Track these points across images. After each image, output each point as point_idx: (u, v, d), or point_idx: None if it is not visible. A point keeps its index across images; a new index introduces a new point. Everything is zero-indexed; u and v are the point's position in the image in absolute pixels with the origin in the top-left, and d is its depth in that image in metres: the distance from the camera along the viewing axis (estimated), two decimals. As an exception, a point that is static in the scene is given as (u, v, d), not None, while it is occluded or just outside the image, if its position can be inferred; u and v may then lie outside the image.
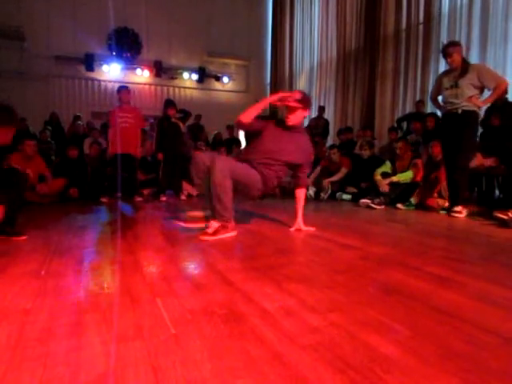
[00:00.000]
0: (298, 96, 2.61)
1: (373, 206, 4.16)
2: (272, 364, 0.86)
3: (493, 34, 5.32)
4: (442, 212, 3.78)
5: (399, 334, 1.01)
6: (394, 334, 1.01)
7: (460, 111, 3.48)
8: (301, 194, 2.76)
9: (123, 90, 4.92)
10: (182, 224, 2.72)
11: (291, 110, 2.61)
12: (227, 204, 2.42)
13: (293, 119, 2.63)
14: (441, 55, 3.68)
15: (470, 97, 3.42)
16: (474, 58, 5.21)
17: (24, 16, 8.33)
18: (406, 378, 0.80)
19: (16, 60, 8.37)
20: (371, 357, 0.89)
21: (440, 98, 3.77)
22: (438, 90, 3.74)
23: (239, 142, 7.92)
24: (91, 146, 5.79)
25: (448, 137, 3.63)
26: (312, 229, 2.66)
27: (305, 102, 2.63)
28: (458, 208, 3.50)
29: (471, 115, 3.47)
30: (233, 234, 2.47)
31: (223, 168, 2.38)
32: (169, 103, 5.32)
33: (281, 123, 2.71)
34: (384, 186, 4.41)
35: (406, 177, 4.41)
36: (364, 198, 4.39)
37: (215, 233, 2.39)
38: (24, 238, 2.35)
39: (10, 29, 8.11)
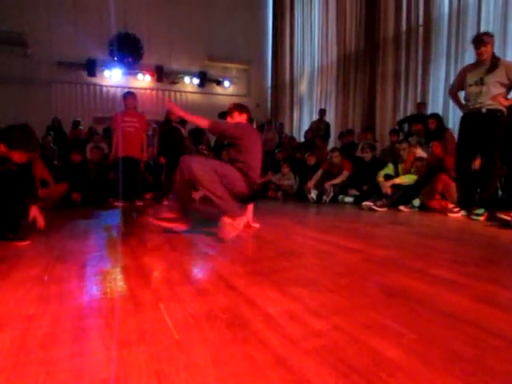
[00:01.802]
0: (232, 105, 2.99)
1: (375, 208, 4.15)
2: (276, 368, 0.85)
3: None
4: (452, 215, 3.66)
5: (403, 338, 1.00)
6: (398, 337, 1.00)
7: (484, 110, 3.25)
8: None
9: (129, 95, 4.97)
10: (160, 223, 2.65)
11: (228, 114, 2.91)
12: (223, 195, 2.39)
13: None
14: (471, 45, 3.41)
15: (495, 96, 3.21)
16: (472, 59, 5.21)
17: (26, 22, 8.40)
18: (410, 381, 0.80)
19: (19, 66, 8.43)
20: (375, 360, 0.88)
21: (462, 93, 3.53)
22: (459, 84, 3.49)
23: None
24: (92, 150, 5.80)
25: (469, 138, 3.42)
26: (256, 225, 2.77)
27: (238, 107, 2.97)
28: (481, 211, 3.34)
29: (496, 115, 3.26)
30: (245, 219, 2.59)
31: (201, 162, 2.42)
32: None
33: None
34: (387, 187, 4.40)
35: (408, 179, 4.40)
36: (366, 200, 4.38)
37: (234, 227, 2.36)
38: (27, 243, 2.35)
39: (12, 35, 8.19)
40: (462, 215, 3.58)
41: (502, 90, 3.24)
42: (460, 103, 3.65)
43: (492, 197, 3.50)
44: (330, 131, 7.94)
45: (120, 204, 4.80)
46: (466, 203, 3.56)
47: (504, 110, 3.30)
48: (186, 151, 5.47)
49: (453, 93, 3.69)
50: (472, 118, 3.39)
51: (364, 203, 4.33)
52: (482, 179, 3.47)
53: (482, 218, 3.33)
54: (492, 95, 3.23)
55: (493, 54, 3.28)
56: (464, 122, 3.58)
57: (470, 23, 5.55)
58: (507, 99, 3.31)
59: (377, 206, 4.17)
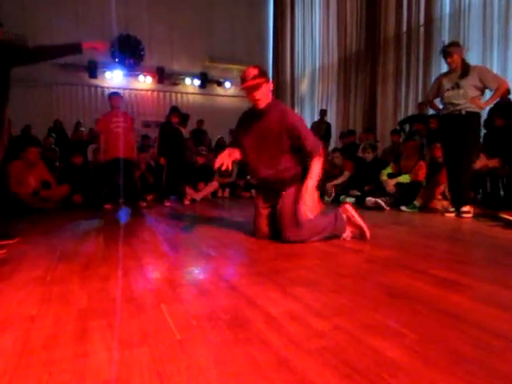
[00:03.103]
0: (256, 72, 2.23)
1: (380, 202, 4.12)
2: (278, 369, 0.85)
3: (493, 35, 5.31)
4: (448, 214, 3.69)
5: (405, 338, 1.00)
6: (400, 337, 1.00)
7: (464, 112, 3.43)
8: (312, 164, 2.32)
9: (115, 95, 4.94)
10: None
11: (255, 87, 2.22)
12: (325, 227, 2.46)
13: (261, 97, 2.25)
14: (441, 55, 3.64)
15: (473, 98, 3.38)
16: (474, 60, 5.21)
17: (28, 24, 8.42)
18: (412, 382, 0.80)
19: (20, 68, 8.43)
20: (377, 361, 0.88)
21: (438, 99, 3.71)
22: (436, 91, 3.67)
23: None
24: (95, 152, 5.80)
25: (450, 138, 3.57)
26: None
27: (265, 73, 2.28)
28: (466, 208, 3.45)
29: (474, 116, 3.44)
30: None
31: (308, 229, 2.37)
32: (173, 110, 5.37)
33: (251, 116, 2.39)
34: (390, 185, 4.41)
35: (406, 179, 4.42)
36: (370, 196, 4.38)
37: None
38: (16, 240, 2.37)
39: (13, 37, 8.20)
40: (455, 215, 3.63)
41: (478, 92, 3.41)
42: (438, 108, 3.80)
43: (471, 192, 3.68)
44: (331, 132, 7.93)
45: (109, 206, 4.68)
46: (458, 202, 3.61)
47: (480, 112, 3.50)
48: (186, 152, 5.48)
49: (430, 100, 3.84)
50: (452, 119, 3.53)
51: (368, 198, 4.32)
52: (458, 178, 3.57)
53: (469, 215, 3.41)
54: (469, 97, 3.39)
55: (463, 61, 3.46)
56: (444, 122, 3.70)
57: (471, 23, 5.55)
58: (485, 102, 3.48)
59: (382, 200, 4.15)
